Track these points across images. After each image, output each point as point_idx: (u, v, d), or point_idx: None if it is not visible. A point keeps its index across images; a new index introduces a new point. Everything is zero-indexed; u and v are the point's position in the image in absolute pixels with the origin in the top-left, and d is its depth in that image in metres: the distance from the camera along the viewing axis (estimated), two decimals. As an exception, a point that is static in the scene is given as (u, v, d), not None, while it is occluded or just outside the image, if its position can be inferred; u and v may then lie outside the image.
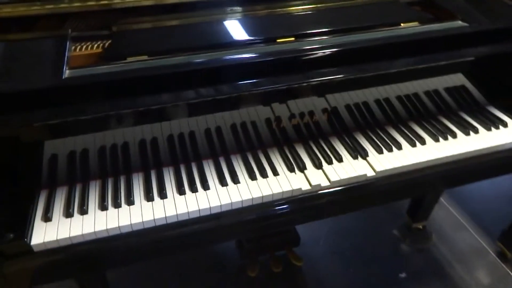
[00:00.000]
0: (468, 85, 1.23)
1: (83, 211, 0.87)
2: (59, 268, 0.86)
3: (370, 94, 1.14)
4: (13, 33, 1.04)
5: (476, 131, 1.10)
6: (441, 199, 1.96)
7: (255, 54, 0.96)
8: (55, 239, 0.81)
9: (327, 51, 0.97)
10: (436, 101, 1.19)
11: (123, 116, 0.89)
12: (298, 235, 1.56)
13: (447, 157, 1.03)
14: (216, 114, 1.01)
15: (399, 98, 1.17)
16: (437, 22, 1.13)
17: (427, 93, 1.19)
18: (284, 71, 0.97)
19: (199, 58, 0.94)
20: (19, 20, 1.01)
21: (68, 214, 0.86)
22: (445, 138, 1.07)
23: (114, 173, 0.96)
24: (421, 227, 1.77)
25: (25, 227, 0.83)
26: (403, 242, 1.75)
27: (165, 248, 0.91)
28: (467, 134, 1.09)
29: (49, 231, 0.83)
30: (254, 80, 0.95)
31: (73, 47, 1.00)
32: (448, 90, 1.21)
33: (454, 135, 1.08)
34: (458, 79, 1.22)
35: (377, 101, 1.15)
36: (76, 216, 0.87)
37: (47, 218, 0.85)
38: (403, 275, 1.61)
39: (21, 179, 0.91)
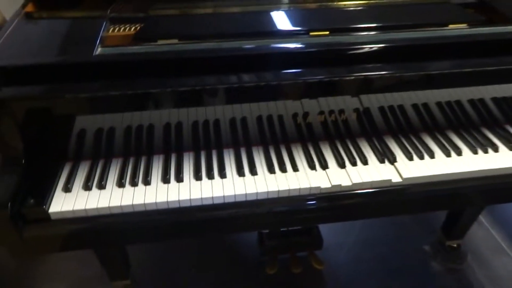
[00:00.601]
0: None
1: (101, 186, 0.89)
2: (74, 238, 0.89)
3: (407, 98, 1.08)
4: (61, 9, 1.09)
5: (522, 146, 1.00)
6: (481, 218, 1.83)
7: (290, 44, 0.94)
8: (71, 209, 0.84)
9: (365, 47, 0.93)
10: (480, 110, 1.10)
11: (148, 96, 0.90)
12: (322, 238, 1.52)
13: (484, 170, 0.95)
14: (243, 105, 1.00)
15: (438, 104, 1.10)
16: (488, 25, 1.05)
17: (471, 101, 1.11)
18: (321, 64, 0.94)
19: (228, 45, 0.93)
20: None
21: (87, 187, 0.89)
22: (485, 151, 0.99)
23: (136, 153, 0.98)
24: (455, 245, 1.66)
25: (46, 195, 0.86)
26: (434, 259, 1.65)
27: (177, 231, 0.91)
28: (511, 149, 1.00)
29: (67, 201, 0.86)
30: (287, 71, 0.92)
31: (111, 28, 1.03)
32: (495, 100, 1.12)
33: (495, 149, 1.00)
34: (508, 88, 1.13)
35: (414, 106, 1.08)
36: (94, 190, 0.89)
37: (67, 189, 0.88)
38: (429, 293, 1.52)
39: (49, 149, 0.95)
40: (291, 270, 1.49)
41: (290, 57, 0.95)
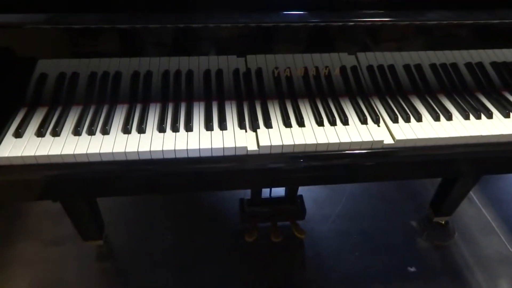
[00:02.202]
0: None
1: (55, 132, 0.82)
2: (28, 187, 0.82)
3: (399, 58, 0.99)
4: None
5: (518, 113, 0.92)
6: (473, 196, 1.76)
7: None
8: (19, 155, 0.77)
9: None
10: (477, 75, 1.01)
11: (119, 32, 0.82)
12: (305, 208, 1.46)
13: (476, 137, 0.87)
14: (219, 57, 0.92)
15: (432, 66, 1.01)
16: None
17: (468, 65, 1.02)
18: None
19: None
20: None
21: (40, 133, 0.81)
22: (478, 117, 0.91)
23: (98, 101, 0.90)
24: (443, 222, 1.60)
25: (-5, 139, 0.80)
26: (421, 235, 1.59)
27: (133, 185, 0.85)
28: (507, 116, 0.92)
29: (16, 146, 0.79)
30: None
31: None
32: (494, 64, 1.03)
33: (489, 115, 0.91)
34: (510, 54, 1.04)
35: (406, 66, 1.00)
36: (48, 136, 0.82)
37: (18, 134, 0.81)
38: (412, 269, 1.47)
39: (3, 92, 0.88)
40: (271, 239, 1.44)
41: None
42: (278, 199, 1.46)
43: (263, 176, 0.87)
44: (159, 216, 1.63)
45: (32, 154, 0.77)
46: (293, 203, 1.46)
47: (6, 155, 0.77)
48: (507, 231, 1.62)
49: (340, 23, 0.83)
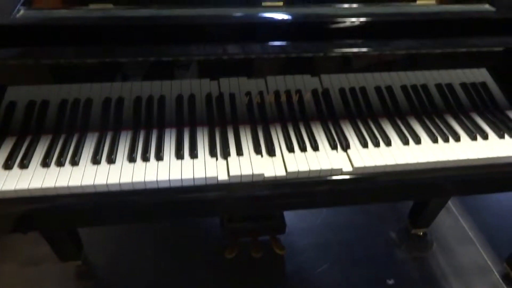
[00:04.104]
0: (491, 83, 1.06)
1: (23, 165, 0.81)
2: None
3: (371, 79, 1.00)
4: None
5: (485, 136, 0.94)
6: (451, 206, 1.79)
7: (235, 13, 0.85)
8: (-16, 190, 0.76)
9: (317, 21, 0.85)
10: (446, 96, 1.03)
11: (71, 66, 0.81)
12: (285, 222, 1.46)
13: (445, 161, 0.89)
14: (191, 81, 0.92)
15: (403, 88, 1.02)
16: (459, 3, 0.96)
17: (438, 86, 1.04)
18: (267, 39, 0.86)
19: (169, 12, 0.84)
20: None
21: (7, 166, 0.80)
22: (446, 140, 0.93)
23: (68, 130, 0.90)
24: (421, 233, 1.62)
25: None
26: (399, 247, 1.61)
27: (103, 215, 0.84)
28: (474, 138, 0.93)
29: (-19, 181, 0.78)
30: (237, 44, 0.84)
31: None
32: (464, 86, 1.05)
33: (457, 138, 0.93)
34: (480, 74, 1.06)
35: (377, 88, 1.01)
36: (15, 169, 0.81)
37: (-17, 167, 0.80)
38: (391, 281, 1.49)
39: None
40: (251, 255, 1.45)
41: (240, 28, 0.86)
42: (258, 215, 1.47)
43: (235, 204, 0.87)
44: (139, 233, 1.62)
45: (-1, 188, 0.76)
46: (273, 218, 1.46)
47: (-32, 190, 0.76)
48: (483, 240, 1.65)
49: (310, 55, 0.84)
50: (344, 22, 0.84)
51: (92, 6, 0.83)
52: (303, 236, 1.64)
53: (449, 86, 1.04)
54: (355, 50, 0.84)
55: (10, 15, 0.77)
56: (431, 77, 1.04)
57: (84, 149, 0.86)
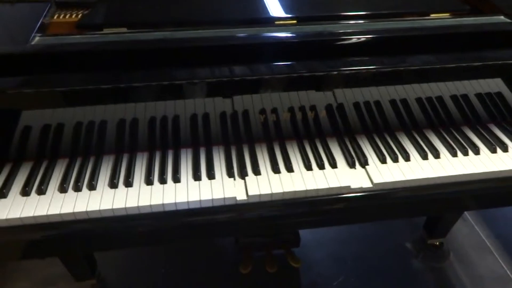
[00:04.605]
0: (507, 93, 1.05)
1: (41, 191, 0.80)
2: (13, 249, 0.81)
3: (385, 93, 0.99)
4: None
5: (505, 148, 0.92)
6: (466, 214, 1.77)
7: (248, 34, 0.85)
8: (4, 218, 0.76)
9: (329, 39, 0.84)
10: (462, 108, 1.02)
11: (88, 93, 0.81)
12: (299, 235, 1.45)
13: (465, 175, 0.88)
14: (204, 100, 0.92)
15: (418, 100, 1.01)
16: (474, 15, 0.96)
17: (453, 97, 1.03)
18: (281, 58, 0.85)
19: (183, 35, 0.83)
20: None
21: (25, 192, 0.80)
22: (465, 153, 0.91)
23: (83, 153, 0.89)
24: (437, 243, 1.60)
25: (-22, 201, 0.78)
26: (415, 257, 1.59)
27: (120, 240, 0.84)
28: (493, 151, 0.92)
29: (0, 209, 0.77)
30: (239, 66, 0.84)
31: (56, 14, 0.93)
32: (479, 96, 1.03)
33: (476, 151, 0.92)
34: (495, 84, 1.04)
35: (392, 102, 1.00)
36: (33, 195, 0.80)
37: (2, 194, 0.79)
38: (409, 293, 1.47)
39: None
40: (266, 269, 1.43)
41: (255, 49, 0.86)
42: (272, 229, 1.45)
43: (252, 224, 0.86)
44: (152, 249, 1.61)
45: (18, 216, 0.76)
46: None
47: (-9, 219, 0.75)
48: (501, 249, 1.63)
49: (322, 73, 0.83)
50: (362, 38, 0.84)
51: (106, 31, 0.83)
52: (317, 248, 1.62)
53: (465, 97, 1.03)
54: (372, 67, 0.83)
55: (27, 42, 0.77)
56: (446, 89, 1.03)
57: (101, 172, 0.86)
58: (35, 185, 0.82)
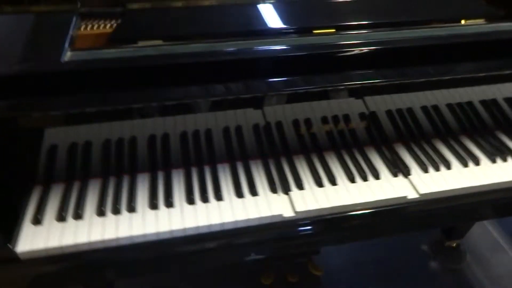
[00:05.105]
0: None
1: (78, 215, 0.76)
2: (53, 279, 0.76)
3: (416, 100, 0.98)
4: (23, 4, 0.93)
5: (544, 153, 0.92)
6: (479, 215, 1.78)
7: (285, 46, 0.82)
8: (43, 247, 0.71)
9: (364, 49, 0.82)
10: (493, 112, 1.02)
11: (127, 111, 0.77)
12: (318, 243, 1.43)
13: (504, 182, 0.87)
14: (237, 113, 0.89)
15: (449, 106, 1.01)
16: (507, 20, 0.95)
17: (483, 102, 1.02)
18: (318, 69, 0.83)
19: (223, 46, 0.80)
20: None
21: (61, 217, 0.76)
22: (504, 160, 0.91)
23: (117, 171, 0.85)
24: (454, 245, 1.61)
25: (12, 230, 0.73)
26: (434, 259, 1.59)
27: (165, 264, 0.80)
28: (530, 156, 0.92)
29: (38, 236, 0.72)
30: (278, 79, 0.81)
31: (82, 25, 0.88)
32: (509, 100, 1.03)
33: (514, 156, 0.91)
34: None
35: (424, 108, 0.99)
36: (70, 220, 0.76)
37: (37, 220, 0.75)
38: (430, 296, 1.47)
39: (13, 172, 0.81)
40: (287, 279, 1.41)
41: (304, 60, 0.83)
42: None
43: (295, 241, 0.84)
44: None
45: (57, 244, 0.71)
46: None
47: (29, 249, 0.71)
48: (515, 248, 1.64)
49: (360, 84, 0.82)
50: (403, 47, 0.82)
51: (141, 44, 0.79)
52: (336, 255, 1.60)
53: (494, 101, 1.03)
54: (417, 79, 0.82)
55: (59, 58, 0.73)
56: (474, 94, 1.02)
57: (139, 192, 0.82)
58: (71, 210, 0.77)
